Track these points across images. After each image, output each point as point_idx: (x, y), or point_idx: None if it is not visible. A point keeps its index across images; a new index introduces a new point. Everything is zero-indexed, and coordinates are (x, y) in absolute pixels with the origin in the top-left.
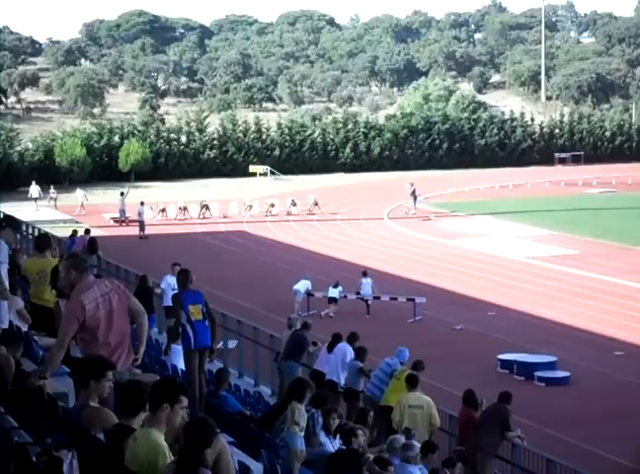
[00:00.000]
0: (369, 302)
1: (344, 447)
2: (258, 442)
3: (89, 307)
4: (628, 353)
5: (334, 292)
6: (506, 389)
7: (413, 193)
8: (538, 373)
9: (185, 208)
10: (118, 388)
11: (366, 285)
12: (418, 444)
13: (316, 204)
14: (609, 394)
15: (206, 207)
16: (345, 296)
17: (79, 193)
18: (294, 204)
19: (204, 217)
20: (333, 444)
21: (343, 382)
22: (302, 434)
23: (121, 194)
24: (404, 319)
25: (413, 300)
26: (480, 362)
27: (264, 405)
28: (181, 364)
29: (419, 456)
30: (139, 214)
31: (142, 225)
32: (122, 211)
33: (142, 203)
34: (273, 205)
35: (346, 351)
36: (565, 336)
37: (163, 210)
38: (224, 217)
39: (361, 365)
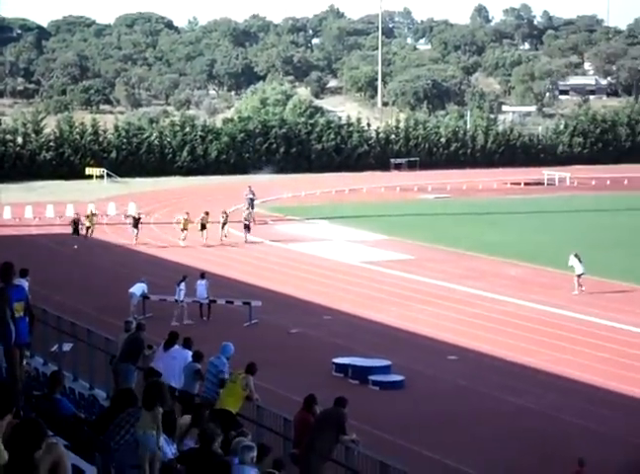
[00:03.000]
0: (205, 304)
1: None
2: (92, 446)
3: None
4: (462, 357)
5: (179, 293)
6: (340, 393)
7: (250, 196)
8: (373, 377)
9: None
10: None
11: (201, 287)
12: (255, 447)
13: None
14: (443, 398)
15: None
16: (180, 300)
17: None
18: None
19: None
20: (171, 449)
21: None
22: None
23: None
24: (240, 323)
25: (249, 304)
26: (315, 366)
27: (98, 408)
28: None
29: (254, 458)
30: None
31: None
32: None
33: None
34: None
35: (187, 357)
36: (400, 340)
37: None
38: (60, 219)
39: (200, 367)
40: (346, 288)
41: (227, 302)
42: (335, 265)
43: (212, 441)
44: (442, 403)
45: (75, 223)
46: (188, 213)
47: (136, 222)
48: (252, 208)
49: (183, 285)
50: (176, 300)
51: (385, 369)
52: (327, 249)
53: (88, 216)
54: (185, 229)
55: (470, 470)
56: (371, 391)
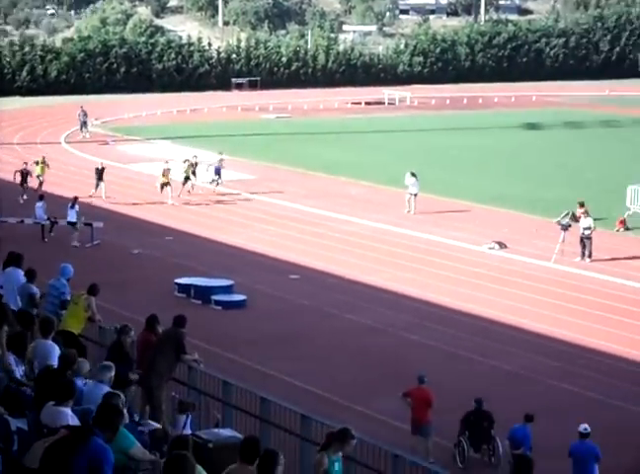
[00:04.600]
0: (46, 225)
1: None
2: None
3: None
4: (304, 276)
5: (72, 215)
6: (182, 313)
7: (83, 118)
8: (215, 297)
9: None
10: None
11: (39, 209)
12: (113, 367)
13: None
14: (285, 317)
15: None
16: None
17: None
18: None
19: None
20: (19, 370)
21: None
22: None
23: None
24: (82, 243)
25: (90, 225)
26: (158, 286)
27: None
28: None
29: (112, 378)
30: None
31: None
32: None
33: None
34: None
35: (19, 276)
36: (242, 260)
37: None
38: None
39: (34, 291)
40: (187, 208)
41: (69, 223)
42: (175, 185)
43: (72, 364)
44: (285, 321)
45: (23, 174)
46: (167, 162)
47: (100, 174)
48: (86, 129)
49: (77, 207)
50: (69, 222)
51: (227, 289)
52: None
53: (38, 163)
54: (167, 184)
55: (310, 387)
56: (214, 311)
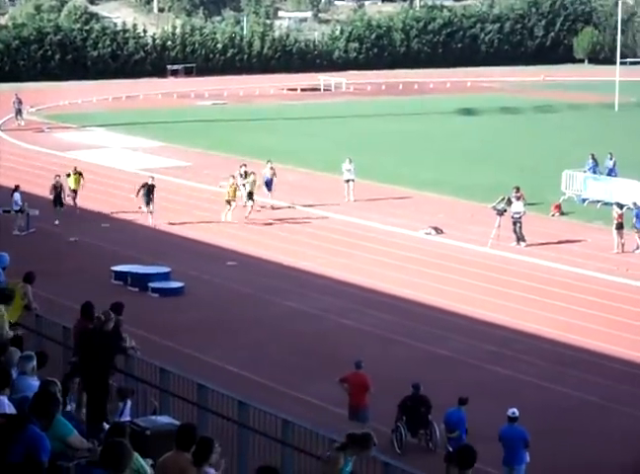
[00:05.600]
0: None
1: None
2: None
3: None
4: (241, 262)
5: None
6: (119, 300)
7: (18, 104)
8: (152, 284)
9: None
10: None
11: None
12: (34, 356)
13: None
14: (222, 303)
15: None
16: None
17: None
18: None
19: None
20: None
21: None
22: None
23: None
24: (21, 231)
25: (27, 213)
26: (94, 274)
27: None
28: None
29: (35, 368)
30: None
31: None
32: None
33: None
34: None
35: None
36: (179, 247)
37: None
38: None
39: None
40: (122, 195)
41: (4, 212)
42: (111, 172)
43: (4, 352)
44: (222, 308)
45: (56, 189)
46: (234, 177)
47: (149, 192)
48: (21, 117)
49: (17, 195)
50: (15, 210)
51: (165, 276)
52: (103, 156)
53: (70, 175)
54: (232, 200)
55: (247, 373)
56: (151, 298)
